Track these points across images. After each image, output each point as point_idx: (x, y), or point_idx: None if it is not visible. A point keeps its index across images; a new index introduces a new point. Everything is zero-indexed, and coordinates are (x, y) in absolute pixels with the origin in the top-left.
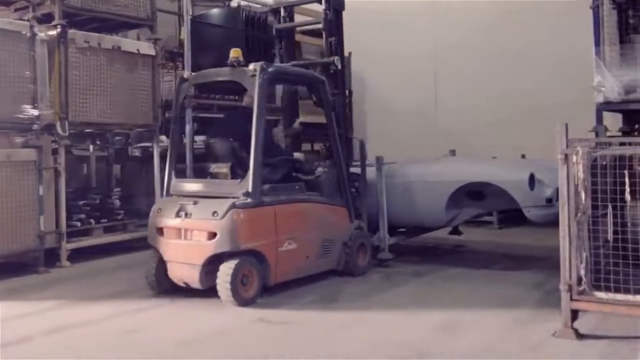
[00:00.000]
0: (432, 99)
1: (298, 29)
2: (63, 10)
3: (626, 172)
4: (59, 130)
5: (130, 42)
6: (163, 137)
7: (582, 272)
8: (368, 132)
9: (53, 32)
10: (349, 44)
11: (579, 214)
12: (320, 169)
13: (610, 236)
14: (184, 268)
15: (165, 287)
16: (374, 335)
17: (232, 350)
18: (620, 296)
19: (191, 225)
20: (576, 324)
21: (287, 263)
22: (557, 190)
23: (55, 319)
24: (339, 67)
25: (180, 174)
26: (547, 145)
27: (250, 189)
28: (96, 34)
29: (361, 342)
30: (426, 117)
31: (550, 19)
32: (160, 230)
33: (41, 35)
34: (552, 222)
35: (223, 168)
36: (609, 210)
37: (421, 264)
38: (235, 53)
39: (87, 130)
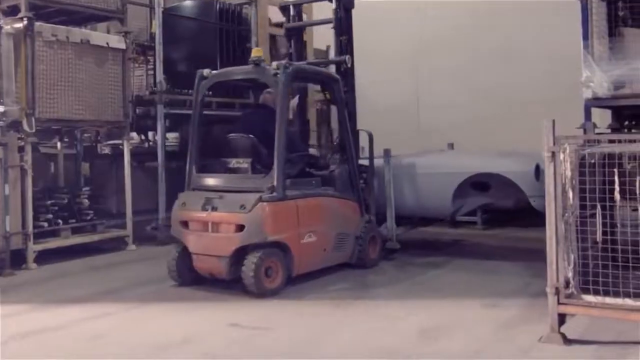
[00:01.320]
0: (415, 95)
1: (272, 22)
2: (29, 2)
3: (615, 170)
4: (26, 127)
5: (99, 36)
6: (134, 134)
7: (570, 275)
8: None
9: (19, 25)
10: (329, 40)
11: (566, 214)
12: (333, 165)
13: (599, 237)
14: (210, 260)
15: (186, 278)
16: (356, 340)
17: (200, 355)
18: (609, 300)
19: (218, 218)
20: (563, 328)
21: (308, 255)
22: None
23: (21, 323)
24: (350, 65)
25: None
26: (534, 142)
27: (275, 183)
28: (64, 27)
29: (344, 345)
30: (409, 114)
31: (536, 13)
32: (184, 224)
33: (7, 28)
34: None
35: (244, 163)
36: (598, 210)
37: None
38: (256, 52)
39: (55, 127)
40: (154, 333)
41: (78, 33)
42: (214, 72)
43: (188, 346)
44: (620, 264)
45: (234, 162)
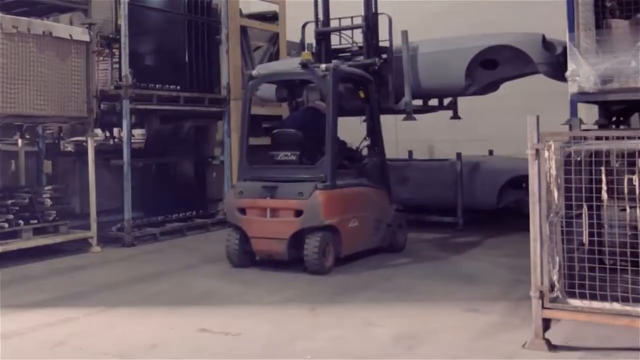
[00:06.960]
0: None
1: (244, 13)
2: None
3: (602, 168)
4: None
5: (62, 27)
6: (98, 131)
7: (555, 278)
8: None
9: None
10: (295, 33)
11: (551, 214)
12: (367, 157)
13: (585, 238)
14: (270, 242)
15: (244, 261)
16: (325, 346)
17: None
18: (596, 304)
19: (278, 205)
20: (548, 334)
21: (353, 238)
22: (564, 49)
23: None
24: (378, 67)
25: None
26: (517, 139)
27: (327, 173)
28: (25, 18)
29: (313, 351)
30: None
31: (519, 1)
32: (242, 210)
33: None
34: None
35: (291, 156)
36: (584, 210)
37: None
38: (306, 56)
39: (16, 123)
40: (118, 339)
41: (40, 25)
42: (262, 72)
43: (154, 353)
44: (607, 266)
45: (281, 155)
